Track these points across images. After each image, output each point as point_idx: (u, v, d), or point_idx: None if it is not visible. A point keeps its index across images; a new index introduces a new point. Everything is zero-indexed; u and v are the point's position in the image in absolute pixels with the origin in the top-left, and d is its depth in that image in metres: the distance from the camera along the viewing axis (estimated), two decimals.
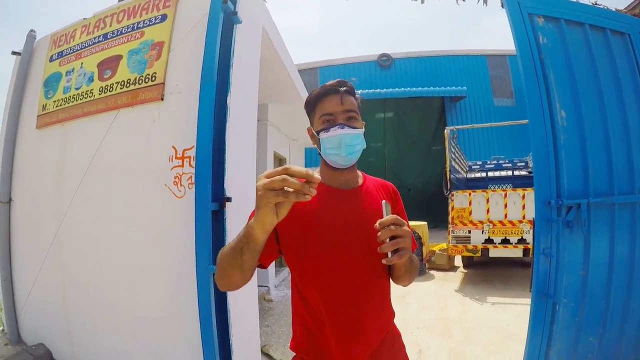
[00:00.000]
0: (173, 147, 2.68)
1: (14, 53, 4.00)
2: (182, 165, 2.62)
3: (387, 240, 0.98)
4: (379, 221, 0.99)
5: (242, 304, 2.67)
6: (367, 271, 1.18)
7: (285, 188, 0.77)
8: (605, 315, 2.40)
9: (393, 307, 1.32)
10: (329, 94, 1.21)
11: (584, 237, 2.34)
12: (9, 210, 3.61)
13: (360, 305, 1.16)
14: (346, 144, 1.16)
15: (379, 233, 0.98)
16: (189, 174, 2.54)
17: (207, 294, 2.24)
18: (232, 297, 2.41)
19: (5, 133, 3.69)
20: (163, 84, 2.83)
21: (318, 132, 1.21)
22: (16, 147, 3.69)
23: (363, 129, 1.24)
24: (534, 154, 2.33)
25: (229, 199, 2.35)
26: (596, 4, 2.64)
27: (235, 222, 2.55)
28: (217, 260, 1.06)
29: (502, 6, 2.52)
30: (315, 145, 1.26)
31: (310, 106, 1.27)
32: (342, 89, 1.21)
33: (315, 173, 0.80)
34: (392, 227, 0.98)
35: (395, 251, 0.98)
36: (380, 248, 0.98)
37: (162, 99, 2.81)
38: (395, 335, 1.33)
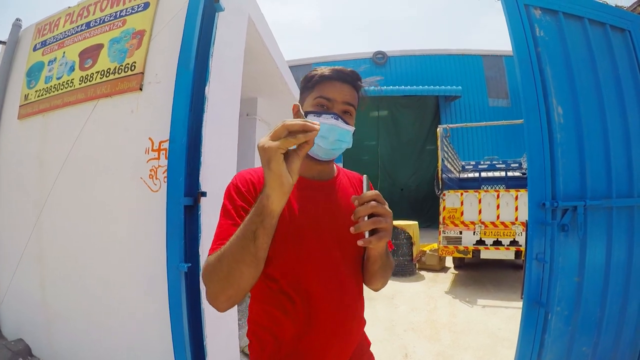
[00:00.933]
0: (150, 138, 2.57)
1: None
2: (158, 158, 2.50)
3: (366, 218, 0.86)
4: (356, 197, 0.89)
5: None
6: (342, 267, 1.06)
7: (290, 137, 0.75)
8: (600, 323, 2.28)
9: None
10: (336, 79, 1.09)
11: (579, 242, 2.22)
12: None
13: (341, 302, 1.03)
14: (336, 137, 1.04)
15: (357, 208, 0.87)
16: (165, 167, 2.41)
17: (177, 293, 2.11)
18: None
19: None
20: (142, 73, 2.73)
21: (307, 113, 1.06)
22: None
23: (353, 129, 1.10)
24: (529, 152, 2.21)
25: (203, 194, 2.21)
26: None
27: (212, 219, 2.41)
28: (208, 271, 0.89)
29: None
30: None
31: (310, 83, 1.11)
32: (353, 80, 1.11)
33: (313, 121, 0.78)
34: (373, 203, 0.87)
35: (373, 232, 0.86)
36: (356, 227, 0.85)
37: (141, 89, 2.71)
38: (365, 344, 1.19)
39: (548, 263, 2.16)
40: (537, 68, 2.23)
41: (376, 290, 1.18)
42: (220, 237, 0.94)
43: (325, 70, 1.10)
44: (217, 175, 2.53)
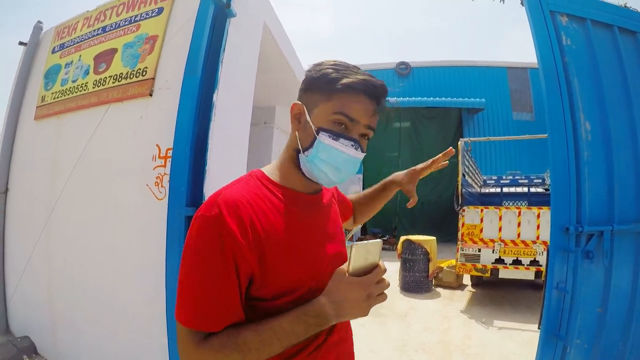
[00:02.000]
0: (157, 145, 2.54)
1: (20, 43, 4.05)
2: (165, 165, 2.46)
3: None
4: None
5: None
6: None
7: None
8: (622, 357, 2.11)
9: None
10: (364, 93, 0.86)
11: (604, 270, 2.06)
12: (5, 200, 3.69)
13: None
14: (349, 170, 0.90)
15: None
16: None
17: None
18: None
19: (6, 123, 3.79)
20: (153, 79, 2.71)
21: (320, 130, 0.86)
22: (16, 137, 3.77)
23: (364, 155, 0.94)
24: (553, 171, 2.06)
25: None
26: (626, 6, 2.36)
27: None
28: (246, 349, 0.75)
29: (522, 3, 2.27)
30: (295, 133, 0.92)
31: (331, 88, 0.86)
32: (381, 97, 0.89)
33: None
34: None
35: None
36: None
37: (151, 95, 2.69)
38: None
39: (569, 293, 2.00)
40: (563, 79, 2.09)
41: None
42: (204, 307, 0.76)
43: (351, 77, 0.85)
44: (223, 185, 2.46)
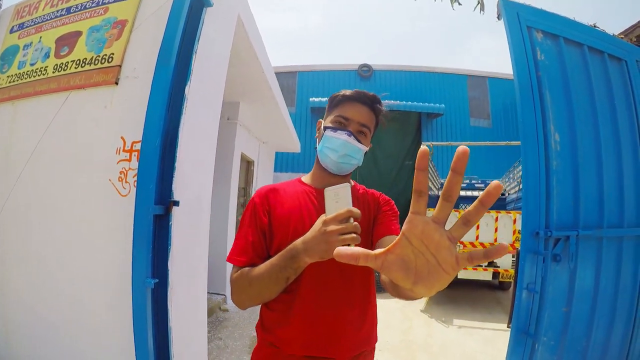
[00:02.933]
0: (122, 138, 2.37)
1: None
2: (130, 160, 2.30)
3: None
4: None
5: (188, 318, 2.37)
6: (343, 277, 1.14)
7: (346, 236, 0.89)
8: (585, 353, 2.24)
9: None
10: (356, 100, 1.20)
11: (569, 272, 2.16)
12: None
13: (338, 312, 1.12)
14: (345, 151, 1.16)
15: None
16: (136, 170, 2.20)
17: (143, 310, 1.91)
18: (175, 310, 2.09)
19: None
20: (120, 66, 2.52)
21: (325, 128, 1.21)
22: None
23: (367, 149, 1.23)
24: (525, 180, 2.13)
25: (176, 203, 2.03)
26: (595, 26, 2.49)
27: (185, 230, 2.23)
28: (237, 286, 1.10)
29: (499, 17, 2.33)
30: (317, 139, 1.26)
31: (334, 102, 1.24)
32: (372, 103, 1.22)
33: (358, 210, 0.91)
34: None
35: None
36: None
37: (117, 83, 2.50)
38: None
39: (538, 293, 2.08)
40: (537, 92, 2.17)
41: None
42: (241, 250, 1.14)
43: (351, 92, 1.20)
44: (192, 183, 2.36)
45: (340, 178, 1.22)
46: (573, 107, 2.24)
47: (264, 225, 1.15)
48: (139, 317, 1.90)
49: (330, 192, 0.97)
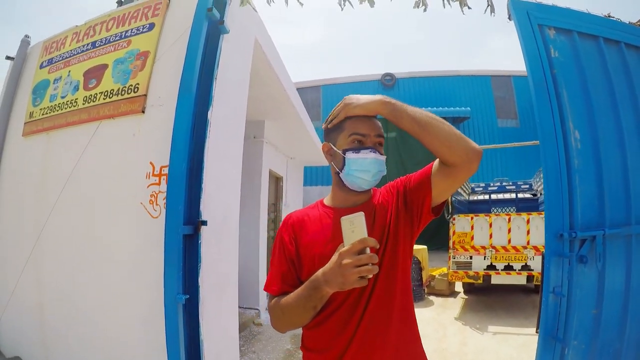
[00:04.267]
0: (151, 163, 2.51)
1: (7, 58, 3.93)
2: (159, 183, 2.43)
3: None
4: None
5: (219, 332, 2.45)
6: (372, 285, 1.11)
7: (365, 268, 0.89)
8: (619, 355, 2.14)
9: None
10: (364, 115, 1.18)
11: (597, 273, 2.09)
12: None
13: (375, 328, 1.10)
14: (377, 169, 1.16)
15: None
16: (165, 193, 2.32)
17: (175, 325, 2.01)
18: (206, 325, 2.18)
19: None
20: (145, 95, 2.68)
21: (345, 151, 1.17)
22: (3, 154, 3.63)
23: (385, 157, 1.22)
24: (546, 180, 2.10)
25: (204, 223, 2.13)
26: (609, 16, 2.44)
27: (213, 248, 2.33)
28: (273, 314, 1.18)
29: (509, 18, 2.33)
30: (332, 164, 1.24)
31: (339, 123, 1.21)
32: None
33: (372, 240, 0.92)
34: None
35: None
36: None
37: (143, 112, 2.66)
38: None
39: (565, 297, 2.03)
40: (553, 91, 2.14)
41: (462, 157, 1.10)
42: (273, 280, 1.20)
43: None
44: (219, 203, 2.46)
45: (362, 193, 1.22)
46: (592, 103, 2.19)
47: (292, 255, 1.19)
48: (171, 331, 1.99)
49: (345, 222, 0.95)
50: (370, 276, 0.92)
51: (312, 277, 1.03)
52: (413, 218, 1.20)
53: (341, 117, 1.17)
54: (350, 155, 1.15)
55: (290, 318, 1.12)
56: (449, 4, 2.35)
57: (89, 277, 2.70)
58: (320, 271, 1.00)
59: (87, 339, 2.69)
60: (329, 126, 1.23)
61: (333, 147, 1.21)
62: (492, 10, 2.38)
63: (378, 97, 1.15)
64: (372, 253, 0.91)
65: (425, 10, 2.53)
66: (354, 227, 0.94)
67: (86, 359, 2.69)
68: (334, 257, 0.96)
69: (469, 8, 2.43)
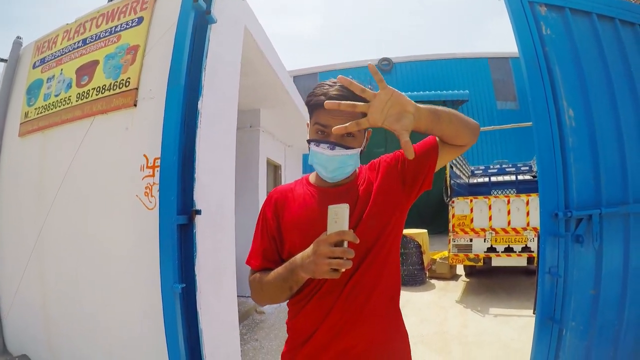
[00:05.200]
0: (144, 155, 2.51)
1: (0, 60, 3.90)
2: (153, 175, 2.43)
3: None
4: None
5: (219, 320, 2.47)
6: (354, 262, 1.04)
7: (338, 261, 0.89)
8: (618, 335, 2.13)
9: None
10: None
11: (595, 253, 2.08)
12: None
13: (348, 295, 1.08)
14: (334, 166, 1.09)
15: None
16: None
17: (172, 312, 2.04)
18: (205, 313, 2.20)
19: None
20: (136, 89, 2.67)
21: (309, 141, 1.12)
22: (1, 154, 3.68)
23: (363, 146, 1.14)
24: (539, 159, 2.09)
25: (198, 212, 2.13)
26: None
27: (209, 237, 2.33)
28: (252, 288, 1.19)
29: None
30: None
31: (309, 109, 1.15)
32: (342, 100, 0.99)
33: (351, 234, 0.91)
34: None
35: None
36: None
37: (135, 105, 2.65)
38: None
39: (562, 277, 2.02)
40: (545, 69, 2.11)
41: (466, 142, 1.16)
42: (253, 254, 1.21)
43: (317, 96, 1.08)
44: (213, 192, 2.45)
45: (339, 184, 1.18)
46: (586, 80, 2.16)
47: (273, 231, 1.18)
48: (170, 320, 2.01)
49: (331, 210, 0.94)
50: (343, 270, 0.90)
51: (291, 259, 1.03)
52: (413, 190, 1.18)
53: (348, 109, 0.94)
54: (312, 147, 1.10)
55: (269, 294, 1.13)
56: None
57: (89, 273, 2.73)
58: (299, 255, 1.00)
59: (89, 335, 2.72)
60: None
61: (307, 130, 1.17)
62: None
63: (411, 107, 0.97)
64: (348, 247, 0.90)
65: None
66: (337, 218, 0.92)
67: (90, 355, 2.73)
68: (313, 244, 0.95)
69: None
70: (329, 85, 1.09)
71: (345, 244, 0.90)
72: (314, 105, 1.09)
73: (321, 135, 1.09)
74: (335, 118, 1.04)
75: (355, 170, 1.20)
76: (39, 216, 3.08)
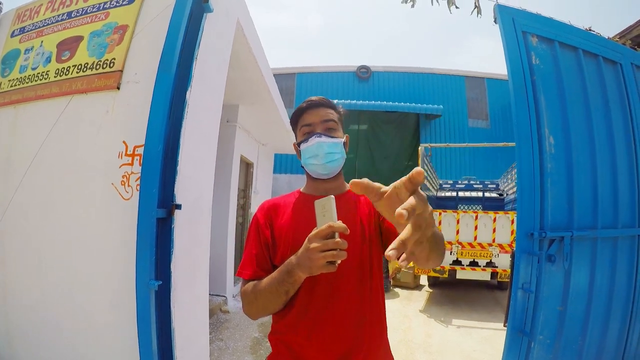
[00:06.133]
0: (124, 142, 2.40)
1: None
2: (132, 164, 2.33)
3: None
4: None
5: (190, 319, 2.40)
6: (343, 276, 1.12)
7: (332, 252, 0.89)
8: (581, 350, 2.28)
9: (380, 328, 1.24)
10: (309, 108, 1.27)
11: (564, 272, 2.20)
12: None
13: (340, 314, 1.13)
14: (324, 152, 1.20)
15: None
16: (138, 174, 2.24)
17: (147, 310, 1.95)
18: (177, 311, 2.13)
19: None
20: (121, 71, 2.55)
21: (299, 144, 1.27)
22: None
23: (344, 139, 1.28)
24: (519, 181, 2.18)
25: (178, 206, 2.06)
26: (590, 30, 2.53)
27: (186, 232, 2.27)
28: (246, 300, 1.16)
29: (495, 21, 2.37)
30: (299, 158, 1.31)
31: (294, 121, 1.31)
32: (324, 103, 1.27)
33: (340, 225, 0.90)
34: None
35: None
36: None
37: (118, 88, 2.53)
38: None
39: (533, 293, 2.12)
40: (532, 96, 2.21)
41: (434, 266, 1.08)
42: (246, 264, 1.21)
43: (300, 105, 1.29)
44: (193, 186, 2.39)
45: (332, 180, 1.27)
46: (567, 111, 2.29)
47: (267, 239, 1.22)
48: (143, 318, 1.93)
49: (318, 204, 0.96)
50: (339, 262, 0.90)
51: (286, 261, 1.04)
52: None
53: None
54: (302, 146, 1.25)
55: (263, 303, 1.11)
56: (437, 2, 2.35)
57: (55, 258, 2.57)
58: (294, 255, 1.01)
59: (51, 324, 2.56)
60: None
61: (296, 143, 1.32)
62: (479, 12, 2.41)
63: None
64: (340, 239, 0.90)
65: (413, 6, 2.52)
66: (325, 211, 0.93)
67: (52, 346, 2.58)
68: (305, 241, 0.97)
69: (457, 7, 2.44)
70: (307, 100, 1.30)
71: (337, 236, 0.90)
72: (298, 113, 1.29)
73: (308, 134, 1.25)
74: (317, 115, 1.25)
75: (345, 184, 1.32)
76: (4, 196, 2.88)
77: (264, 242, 1.22)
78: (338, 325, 1.12)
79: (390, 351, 1.26)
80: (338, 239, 0.89)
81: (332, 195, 0.95)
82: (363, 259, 1.16)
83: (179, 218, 2.14)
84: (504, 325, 1.98)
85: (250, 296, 1.14)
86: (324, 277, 1.07)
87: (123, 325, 2.18)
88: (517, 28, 2.27)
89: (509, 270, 6.05)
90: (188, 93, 2.22)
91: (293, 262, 1.00)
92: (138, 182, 2.21)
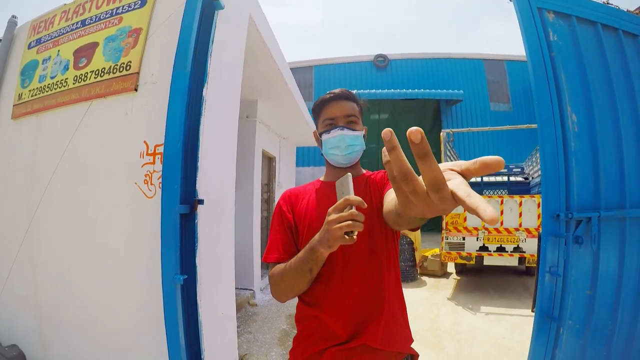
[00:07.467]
0: (145, 142, 2.46)
1: None
2: (154, 163, 2.39)
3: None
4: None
5: (217, 312, 2.46)
6: (359, 256, 1.21)
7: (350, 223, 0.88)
8: (612, 335, 2.20)
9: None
10: (332, 101, 1.32)
11: (592, 254, 2.13)
12: None
13: (361, 296, 1.19)
14: (346, 143, 1.27)
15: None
16: (160, 172, 2.29)
17: (173, 304, 2.00)
18: (204, 306, 2.18)
19: None
20: (138, 73, 2.61)
21: (321, 134, 1.33)
22: None
23: (364, 132, 1.35)
24: (543, 162, 2.12)
25: (200, 202, 2.11)
26: (608, 3, 2.43)
27: (210, 227, 2.31)
28: (273, 281, 1.21)
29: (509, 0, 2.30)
30: (320, 147, 1.38)
31: (316, 111, 1.37)
32: (346, 96, 1.32)
33: (356, 198, 0.90)
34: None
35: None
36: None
37: (136, 90, 2.59)
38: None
39: (561, 276, 2.07)
40: (551, 74, 2.14)
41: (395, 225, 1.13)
42: (271, 248, 1.27)
43: (323, 97, 1.34)
44: (215, 182, 2.43)
45: (351, 168, 1.35)
46: (589, 87, 2.20)
47: (290, 222, 1.29)
48: (170, 312, 1.99)
49: (338, 184, 1.01)
50: (356, 233, 0.90)
51: (310, 241, 1.07)
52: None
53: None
54: (324, 137, 1.31)
55: (289, 283, 1.15)
56: None
57: (83, 260, 2.67)
58: (317, 234, 1.04)
59: (81, 324, 2.66)
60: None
61: (317, 132, 1.38)
62: None
63: None
64: (357, 211, 0.90)
65: None
66: (343, 189, 0.98)
67: (82, 345, 2.68)
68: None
69: None
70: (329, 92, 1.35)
71: (354, 209, 0.91)
72: (320, 105, 1.34)
73: (330, 126, 1.31)
74: (340, 108, 1.30)
75: (362, 169, 1.43)
76: (31, 202, 2.99)
77: (287, 226, 1.28)
78: (356, 297, 1.19)
79: (409, 325, 1.30)
80: (354, 210, 0.90)
81: (349, 173, 0.99)
82: (373, 232, 1.21)
83: (202, 213, 2.18)
84: (532, 310, 1.95)
85: (277, 277, 1.18)
86: (340, 254, 1.17)
87: (153, 321, 2.24)
88: (532, 4, 2.20)
89: (536, 255, 5.92)
90: (205, 90, 2.25)
91: (315, 239, 1.03)
92: (160, 180, 2.26)
